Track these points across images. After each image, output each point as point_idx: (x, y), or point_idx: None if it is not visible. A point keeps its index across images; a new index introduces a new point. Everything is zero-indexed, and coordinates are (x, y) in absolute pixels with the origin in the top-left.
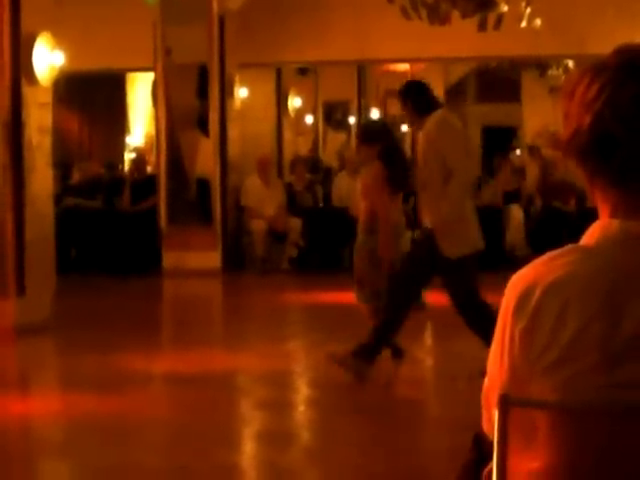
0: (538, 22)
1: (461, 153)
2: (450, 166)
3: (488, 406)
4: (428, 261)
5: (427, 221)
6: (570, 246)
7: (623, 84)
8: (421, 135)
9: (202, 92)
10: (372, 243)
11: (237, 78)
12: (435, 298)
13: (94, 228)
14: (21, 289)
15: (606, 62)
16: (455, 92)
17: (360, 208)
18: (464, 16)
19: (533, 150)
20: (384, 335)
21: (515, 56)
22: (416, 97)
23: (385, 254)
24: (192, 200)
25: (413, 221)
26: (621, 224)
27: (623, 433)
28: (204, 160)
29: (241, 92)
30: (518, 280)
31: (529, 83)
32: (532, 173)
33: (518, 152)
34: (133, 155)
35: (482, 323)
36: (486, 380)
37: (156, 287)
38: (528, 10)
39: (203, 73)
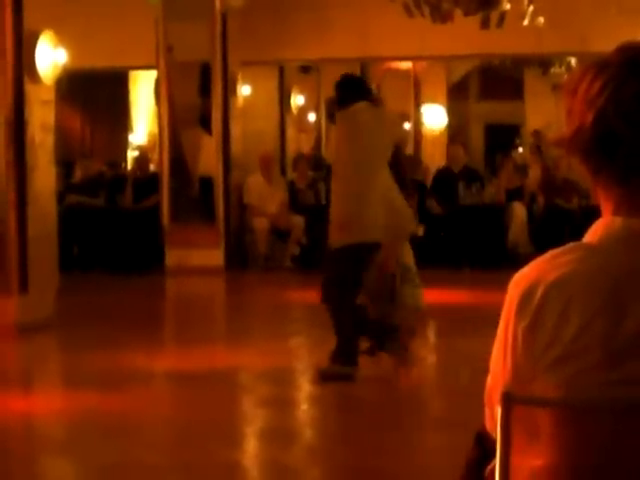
0: (541, 20)
1: (353, 148)
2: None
3: (491, 404)
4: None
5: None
6: (573, 244)
7: (626, 81)
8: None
9: (204, 90)
10: None
11: (240, 76)
12: (436, 296)
13: (97, 226)
14: (24, 287)
15: (609, 59)
16: (457, 90)
17: None
18: (466, 14)
19: (535, 149)
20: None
21: (518, 54)
22: (340, 90)
23: (391, 262)
24: (195, 198)
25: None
26: (624, 222)
27: (626, 430)
28: (207, 158)
29: (244, 90)
30: (521, 278)
31: (532, 81)
32: (535, 171)
33: (521, 150)
34: (136, 153)
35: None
36: (489, 378)
37: (159, 285)
38: (531, 8)
39: (205, 71)
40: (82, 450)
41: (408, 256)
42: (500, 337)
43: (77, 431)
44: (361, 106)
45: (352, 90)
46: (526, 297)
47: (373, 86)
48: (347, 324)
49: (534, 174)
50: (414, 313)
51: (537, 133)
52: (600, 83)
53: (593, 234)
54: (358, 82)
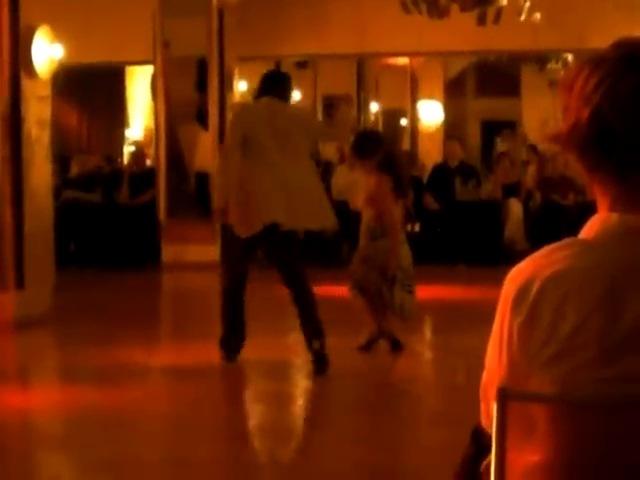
0: (537, 16)
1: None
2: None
3: (486, 400)
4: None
5: None
6: (569, 240)
7: (622, 76)
8: None
9: (201, 85)
10: (372, 249)
11: (236, 71)
12: (432, 292)
13: (93, 221)
14: (20, 282)
15: (605, 55)
16: (454, 86)
17: (365, 215)
18: (463, 10)
19: (530, 148)
20: None
21: (514, 50)
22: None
23: (393, 261)
24: (191, 193)
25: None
26: (620, 217)
27: (622, 426)
28: (203, 153)
29: (240, 85)
30: (516, 274)
31: (528, 77)
32: (531, 167)
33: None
34: (132, 148)
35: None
36: (484, 374)
37: (155, 280)
38: (527, 4)
39: (202, 66)
40: (79, 445)
41: (406, 259)
42: (495, 333)
43: (74, 426)
44: (266, 100)
45: (265, 84)
46: (522, 293)
47: (370, 82)
48: None
49: (530, 170)
50: (401, 321)
51: (533, 148)
52: (596, 79)
53: (589, 230)
54: (273, 77)
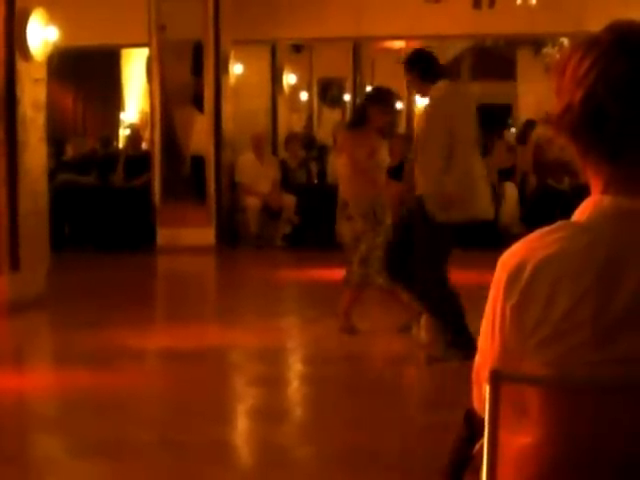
0: (533, 0)
1: (469, 121)
2: (457, 133)
3: (479, 383)
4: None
5: (421, 189)
6: (562, 222)
7: (615, 59)
8: (427, 103)
9: (197, 68)
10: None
11: (232, 55)
12: None
13: (88, 204)
14: (15, 264)
15: (598, 37)
16: (450, 70)
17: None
18: None
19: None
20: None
21: (510, 34)
22: (423, 65)
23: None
24: (186, 177)
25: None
26: (613, 200)
27: (614, 408)
28: (198, 137)
29: (236, 69)
30: (509, 256)
31: (524, 61)
32: (527, 151)
33: (513, 130)
34: (128, 131)
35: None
36: (477, 356)
37: (150, 263)
38: None
39: (198, 49)
40: (73, 427)
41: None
42: (488, 315)
43: (68, 409)
44: (452, 81)
45: (437, 65)
46: (514, 275)
47: (366, 65)
48: (448, 302)
49: (524, 154)
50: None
51: (529, 123)
52: (589, 61)
53: (582, 213)
54: (435, 57)
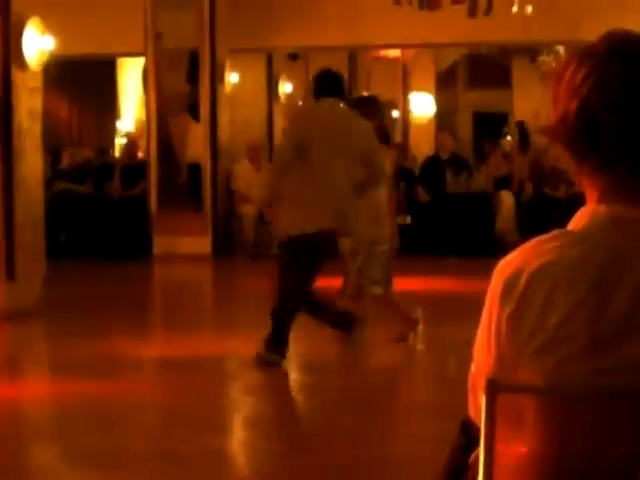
0: (529, 8)
1: (322, 141)
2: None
3: (475, 391)
4: None
5: None
6: (557, 231)
7: (610, 70)
8: None
9: (193, 77)
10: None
11: (228, 63)
12: (423, 284)
13: (84, 213)
14: (11, 273)
15: (594, 47)
16: (446, 78)
17: None
18: (454, 2)
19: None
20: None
21: (506, 42)
22: (314, 82)
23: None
24: (182, 185)
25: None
26: (608, 208)
27: (610, 417)
28: (195, 145)
29: (232, 77)
30: (505, 265)
31: (520, 69)
32: (522, 159)
33: (509, 138)
34: (124, 140)
35: None
36: (473, 366)
37: (146, 272)
38: None
39: (194, 58)
40: (69, 436)
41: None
42: (484, 324)
43: (64, 418)
44: (329, 102)
45: (321, 85)
46: (510, 284)
47: (362, 74)
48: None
49: (522, 162)
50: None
51: (521, 124)
52: (584, 71)
53: (578, 221)
54: (327, 77)
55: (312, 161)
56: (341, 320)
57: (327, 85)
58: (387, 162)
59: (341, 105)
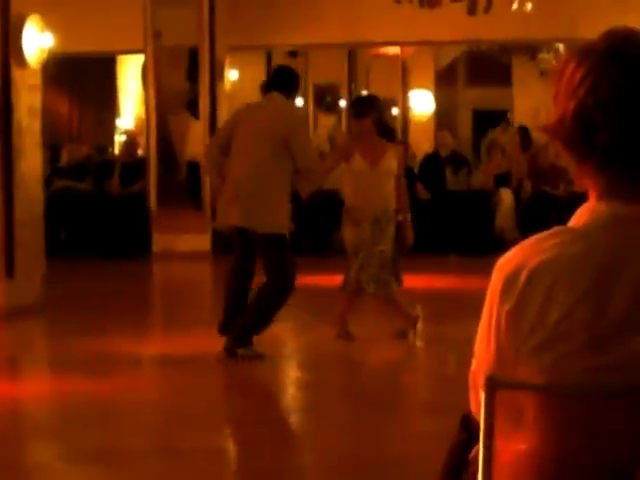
0: (529, 6)
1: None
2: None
3: (475, 388)
4: None
5: None
6: (558, 228)
7: (606, 70)
8: None
9: (192, 75)
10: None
11: (227, 61)
12: (423, 282)
13: (84, 211)
14: (10, 271)
15: (594, 45)
16: (445, 75)
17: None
18: None
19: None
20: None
21: (505, 40)
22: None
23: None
24: (182, 183)
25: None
26: (609, 206)
27: (610, 414)
28: (194, 143)
29: (231, 75)
30: (505, 262)
31: (520, 67)
32: (522, 157)
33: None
34: (123, 138)
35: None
36: (473, 362)
37: (146, 270)
38: None
39: (193, 56)
40: (69, 434)
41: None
42: (484, 321)
43: (64, 416)
44: (266, 98)
45: (269, 80)
46: (510, 281)
47: (361, 71)
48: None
49: (521, 160)
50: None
51: (523, 130)
52: (582, 71)
53: (578, 219)
54: (278, 73)
55: (230, 156)
56: (241, 330)
57: (274, 80)
58: (394, 160)
59: (281, 98)
